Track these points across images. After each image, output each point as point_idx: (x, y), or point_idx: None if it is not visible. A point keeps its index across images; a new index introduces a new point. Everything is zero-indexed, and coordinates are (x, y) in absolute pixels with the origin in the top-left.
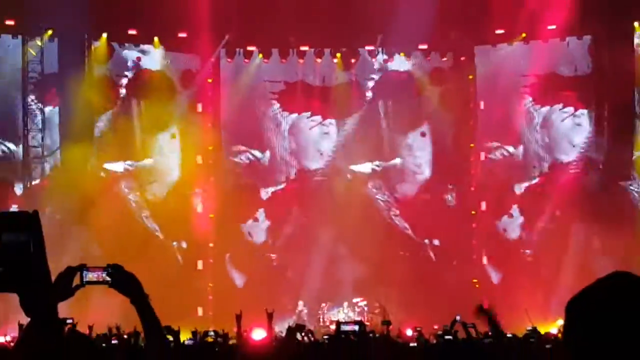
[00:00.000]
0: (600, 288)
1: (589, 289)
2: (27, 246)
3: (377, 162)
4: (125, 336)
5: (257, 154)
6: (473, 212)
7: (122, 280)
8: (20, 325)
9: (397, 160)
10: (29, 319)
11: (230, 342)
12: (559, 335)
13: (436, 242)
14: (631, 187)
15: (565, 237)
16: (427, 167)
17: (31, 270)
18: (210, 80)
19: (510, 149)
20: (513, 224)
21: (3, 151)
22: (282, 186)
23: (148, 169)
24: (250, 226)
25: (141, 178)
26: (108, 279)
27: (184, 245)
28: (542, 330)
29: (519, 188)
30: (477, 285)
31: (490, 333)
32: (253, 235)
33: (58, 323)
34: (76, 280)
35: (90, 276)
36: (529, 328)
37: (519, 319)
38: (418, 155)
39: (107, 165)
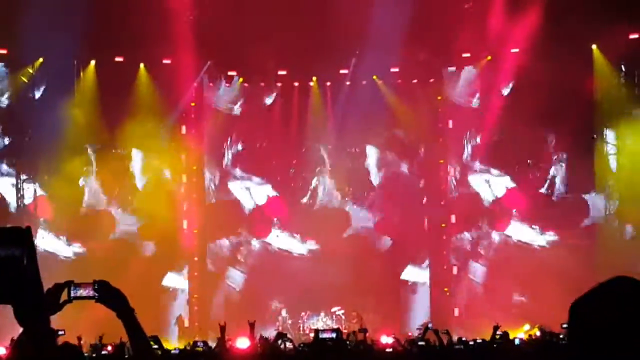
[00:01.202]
0: (604, 290)
1: (593, 291)
2: (21, 260)
3: (353, 178)
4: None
5: (238, 172)
6: (443, 225)
7: (108, 295)
8: (12, 340)
9: (372, 176)
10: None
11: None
12: (525, 339)
13: (412, 252)
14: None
15: (529, 246)
16: (400, 182)
17: (24, 283)
18: (193, 104)
19: (478, 164)
20: (480, 236)
21: None
22: (262, 203)
23: (135, 187)
24: (232, 241)
25: (129, 195)
26: (95, 294)
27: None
28: (511, 335)
29: (487, 201)
30: (447, 294)
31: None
32: (235, 249)
33: (50, 333)
34: (64, 296)
35: (78, 292)
36: (499, 333)
37: (488, 325)
38: (391, 171)
39: (97, 184)
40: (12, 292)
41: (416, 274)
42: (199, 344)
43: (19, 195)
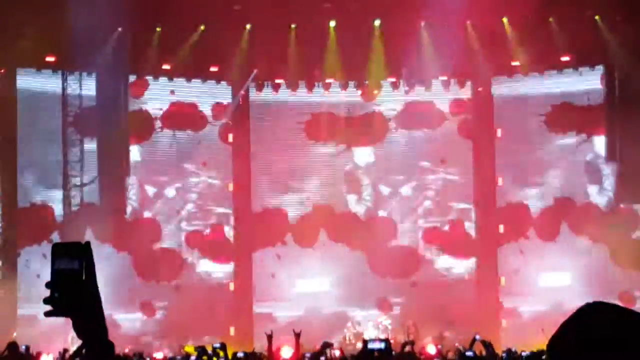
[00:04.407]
0: (577, 322)
1: (567, 324)
2: (80, 273)
3: (400, 188)
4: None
5: (285, 179)
6: (491, 235)
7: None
8: (65, 350)
9: (419, 185)
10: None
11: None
12: None
13: (459, 261)
14: None
15: (579, 258)
16: (449, 192)
17: (83, 296)
18: (240, 112)
19: (527, 174)
20: (530, 246)
21: (43, 180)
22: (308, 210)
23: (183, 196)
24: (279, 249)
25: (176, 204)
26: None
27: (217, 269)
28: None
29: (536, 211)
30: (496, 304)
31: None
32: (281, 257)
33: (109, 346)
34: None
35: None
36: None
37: (536, 337)
38: (440, 181)
39: (142, 192)
40: (71, 305)
41: (464, 285)
42: (239, 354)
43: (66, 203)
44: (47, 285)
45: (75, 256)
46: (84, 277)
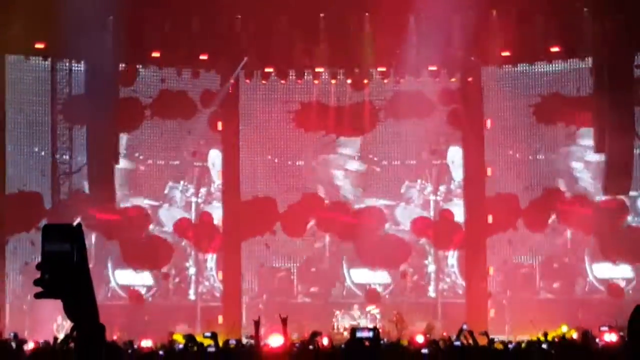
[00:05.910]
0: None
1: None
2: (71, 256)
3: (389, 178)
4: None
5: (274, 168)
6: (480, 225)
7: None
8: (55, 338)
9: (408, 175)
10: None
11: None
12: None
13: (448, 253)
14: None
15: (566, 249)
16: (438, 182)
17: (74, 278)
18: (229, 100)
19: (516, 165)
20: (518, 237)
21: (32, 167)
22: (297, 200)
23: (172, 184)
24: (267, 238)
25: (164, 192)
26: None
27: (206, 257)
28: (549, 336)
29: (524, 202)
30: (484, 295)
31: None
32: (270, 246)
33: (100, 329)
34: None
35: None
36: (540, 335)
37: (525, 327)
38: (429, 171)
39: (132, 181)
40: (62, 287)
41: (452, 274)
42: (231, 342)
43: (55, 191)
44: (38, 267)
45: (67, 238)
46: (75, 259)
